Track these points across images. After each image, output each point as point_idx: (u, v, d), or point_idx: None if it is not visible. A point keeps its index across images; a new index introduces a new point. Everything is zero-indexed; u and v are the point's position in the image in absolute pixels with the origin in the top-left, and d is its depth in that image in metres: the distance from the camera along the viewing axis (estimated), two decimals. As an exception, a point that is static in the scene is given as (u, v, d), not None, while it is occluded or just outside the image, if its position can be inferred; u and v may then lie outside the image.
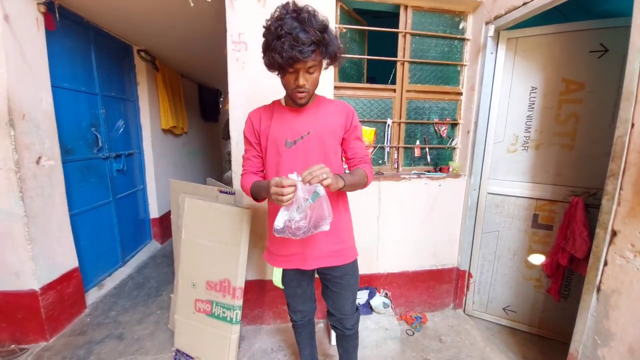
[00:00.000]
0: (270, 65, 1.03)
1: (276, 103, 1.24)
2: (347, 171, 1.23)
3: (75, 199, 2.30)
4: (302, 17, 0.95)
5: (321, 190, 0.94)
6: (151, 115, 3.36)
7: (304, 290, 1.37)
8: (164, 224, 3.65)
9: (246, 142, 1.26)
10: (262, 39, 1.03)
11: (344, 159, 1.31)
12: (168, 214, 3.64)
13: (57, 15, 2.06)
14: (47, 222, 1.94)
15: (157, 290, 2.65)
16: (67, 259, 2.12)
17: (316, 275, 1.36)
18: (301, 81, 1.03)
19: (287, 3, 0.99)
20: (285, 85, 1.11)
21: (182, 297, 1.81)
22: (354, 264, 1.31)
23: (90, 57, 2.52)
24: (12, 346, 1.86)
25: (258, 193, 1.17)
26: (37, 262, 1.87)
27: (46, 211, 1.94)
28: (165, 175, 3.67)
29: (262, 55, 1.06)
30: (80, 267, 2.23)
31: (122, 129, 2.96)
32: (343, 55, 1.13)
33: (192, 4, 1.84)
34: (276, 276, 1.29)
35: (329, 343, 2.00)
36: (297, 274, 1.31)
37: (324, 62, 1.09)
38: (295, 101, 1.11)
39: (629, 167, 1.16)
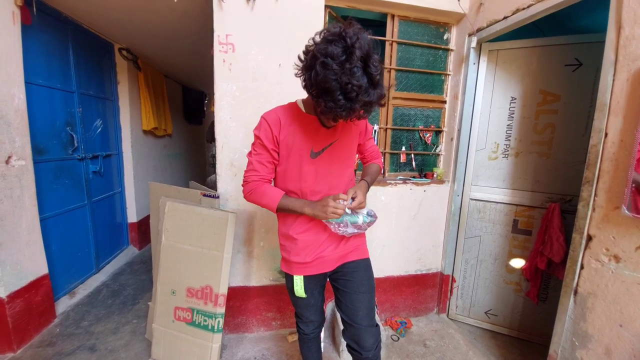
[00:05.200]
0: (328, 112, 0.91)
1: (294, 108, 1.15)
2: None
3: (47, 202, 2.17)
4: (371, 74, 0.86)
5: (360, 219, 1.17)
6: (132, 116, 3.25)
7: (316, 299, 1.33)
8: (143, 229, 3.51)
9: (259, 146, 1.13)
10: (314, 67, 0.88)
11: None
12: (147, 218, 3.52)
13: (35, 9, 1.97)
14: (15, 226, 1.82)
15: (134, 298, 2.53)
16: (36, 265, 1.99)
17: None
18: (340, 119, 1.02)
19: (354, 43, 0.84)
20: (319, 112, 1.03)
21: (161, 305, 1.73)
22: (366, 261, 1.29)
23: (68, 53, 2.42)
24: (-28, 360, 1.73)
25: (292, 207, 1.12)
26: (4, 268, 1.74)
27: (15, 214, 1.81)
28: (145, 178, 3.54)
29: (304, 78, 0.96)
30: (50, 274, 2.10)
31: (100, 129, 2.84)
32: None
33: (175, 0, 1.80)
34: (298, 285, 1.24)
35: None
36: (310, 283, 1.26)
37: None
38: (324, 125, 1.12)
39: (603, 174, 1.22)
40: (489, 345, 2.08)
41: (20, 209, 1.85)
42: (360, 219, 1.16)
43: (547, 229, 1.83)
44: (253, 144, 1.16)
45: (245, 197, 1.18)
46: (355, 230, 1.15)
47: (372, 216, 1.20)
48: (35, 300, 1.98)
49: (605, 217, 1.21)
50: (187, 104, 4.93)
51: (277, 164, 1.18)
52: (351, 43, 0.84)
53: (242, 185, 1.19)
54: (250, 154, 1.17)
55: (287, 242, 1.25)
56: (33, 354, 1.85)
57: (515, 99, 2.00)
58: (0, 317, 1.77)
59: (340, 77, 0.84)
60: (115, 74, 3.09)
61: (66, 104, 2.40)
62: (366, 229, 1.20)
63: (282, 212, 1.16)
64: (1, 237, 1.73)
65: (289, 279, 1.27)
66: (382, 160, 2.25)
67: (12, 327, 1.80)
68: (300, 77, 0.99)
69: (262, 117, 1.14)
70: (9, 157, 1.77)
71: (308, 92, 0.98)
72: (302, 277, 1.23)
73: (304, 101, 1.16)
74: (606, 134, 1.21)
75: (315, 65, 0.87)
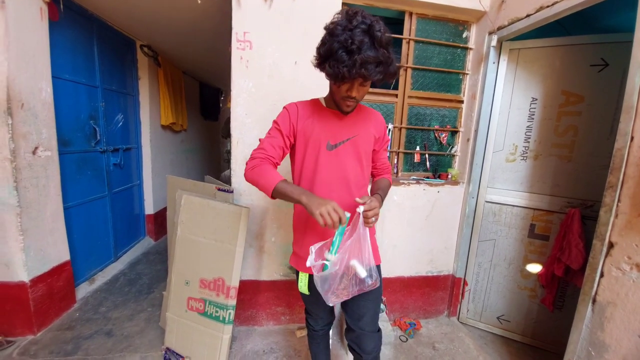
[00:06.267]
0: (333, 75, 0.97)
1: (315, 102, 1.21)
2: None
3: (70, 192, 2.27)
4: (374, 33, 0.91)
5: (362, 273, 1.02)
6: (151, 111, 3.35)
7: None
8: (159, 221, 3.61)
9: (275, 130, 1.15)
10: (323, 40, 0.99)
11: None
12: (163, 210, 3.62)
13: (62, 6, 2.05)
14: (40, 214, 1.91)
15: (149, 287, 2.62)
16: (58, 252, 2.08)
17: None
18: (354, 93, 1.04)
19: (356, 12, 0.95)
20: (334, 91, 1.09)
21: (175, 295, 1.78)
22: (376, 268, 1.24)
23: (93, 49, 2.51)
24: (-1, 338, 1.83)
25: (288, 193, 1.01)
26: (28, 254, 1.84)
27: (40, 202, 1.91)
28: (163, 172, 3.64)
29: (316, 56, 1.03)
30: (71, 261, 2.19)
31: (121, 123, 2.94)
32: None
33: (199, 1, 1.84)
34: (302, 281, 1.22)
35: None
36: None
37: None
38: (342, 109, 1.12)
39: (628, 179, 1.17)
40: (500, 351, 2.04)
41: (45, 197, 1.94)
42: (364, 273, 1.02)
43: (566, 234, 1.77)
44: (269, 130, 1.18)
45: (245, 173, 1.10)
46: (347, 290, 1.03)
47: (374, 278, 1.05)
48: (57, 285, 2.07)
49: (628, 224, 1.16)
50: (204, 100, 5.02)
51: (286, 152, 1.19)
52: (353, 12, 0.95)
53: (246, 163, 1.12)
54: (263, 138, 1.17)
55: (299, 236, 1.25)
56: (52, 336, 1.94)
57: (536, 99, 1.94)
58: (23, 301, 1.86)
59: (342, 37, 0.92)
60: (136, 70, 3.18)
61: (90, 99, 2.49)
62: (362, 292, 1.07)
63: (278, 197, 1.06)
64: (26, 223, 1.82)
65: (297, 274, 1.28)
66: (396, 160, 2.25)
67: (34, 311, 1.90)
68: (317, 62, 1.04)
69: (284, 107, 1.19)
70: (36, 148, 1.86)
71: (320, 66, 1.03)
72: (307, 274, 1.22)
73: (325, 98, 1.22)
74: (632, 138, 1.16)
75: (325, 38, 0.98)
